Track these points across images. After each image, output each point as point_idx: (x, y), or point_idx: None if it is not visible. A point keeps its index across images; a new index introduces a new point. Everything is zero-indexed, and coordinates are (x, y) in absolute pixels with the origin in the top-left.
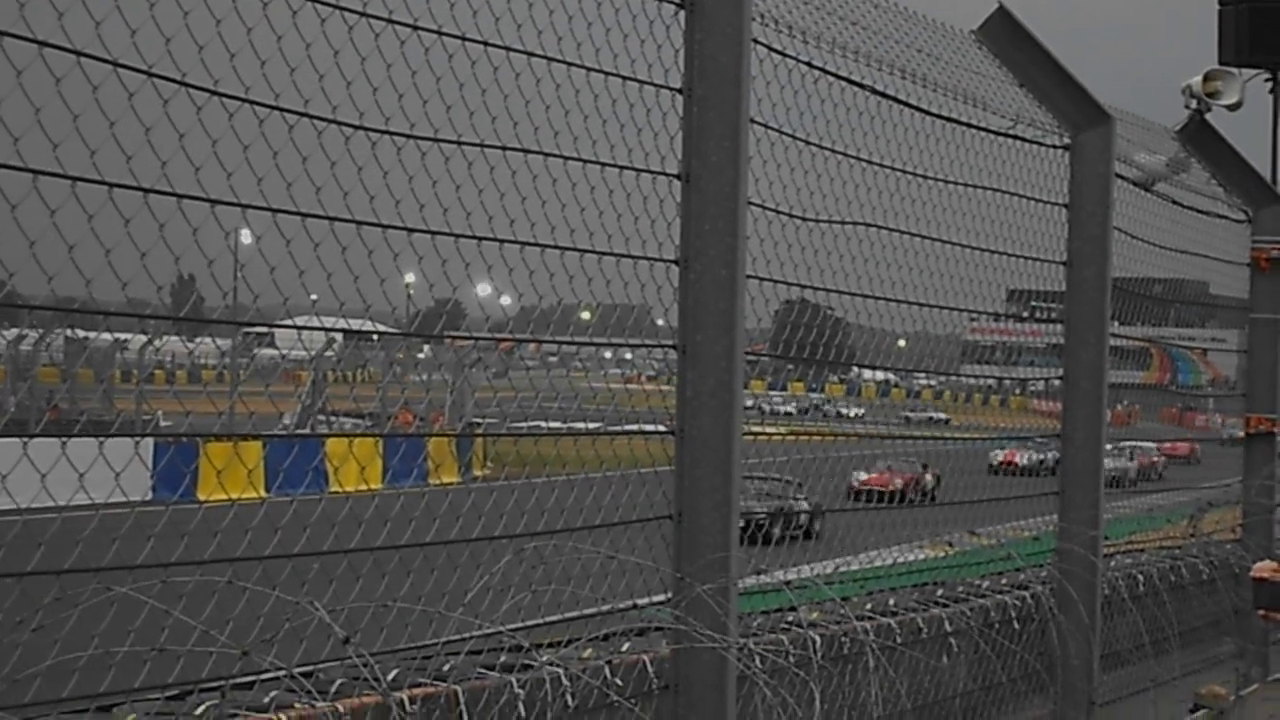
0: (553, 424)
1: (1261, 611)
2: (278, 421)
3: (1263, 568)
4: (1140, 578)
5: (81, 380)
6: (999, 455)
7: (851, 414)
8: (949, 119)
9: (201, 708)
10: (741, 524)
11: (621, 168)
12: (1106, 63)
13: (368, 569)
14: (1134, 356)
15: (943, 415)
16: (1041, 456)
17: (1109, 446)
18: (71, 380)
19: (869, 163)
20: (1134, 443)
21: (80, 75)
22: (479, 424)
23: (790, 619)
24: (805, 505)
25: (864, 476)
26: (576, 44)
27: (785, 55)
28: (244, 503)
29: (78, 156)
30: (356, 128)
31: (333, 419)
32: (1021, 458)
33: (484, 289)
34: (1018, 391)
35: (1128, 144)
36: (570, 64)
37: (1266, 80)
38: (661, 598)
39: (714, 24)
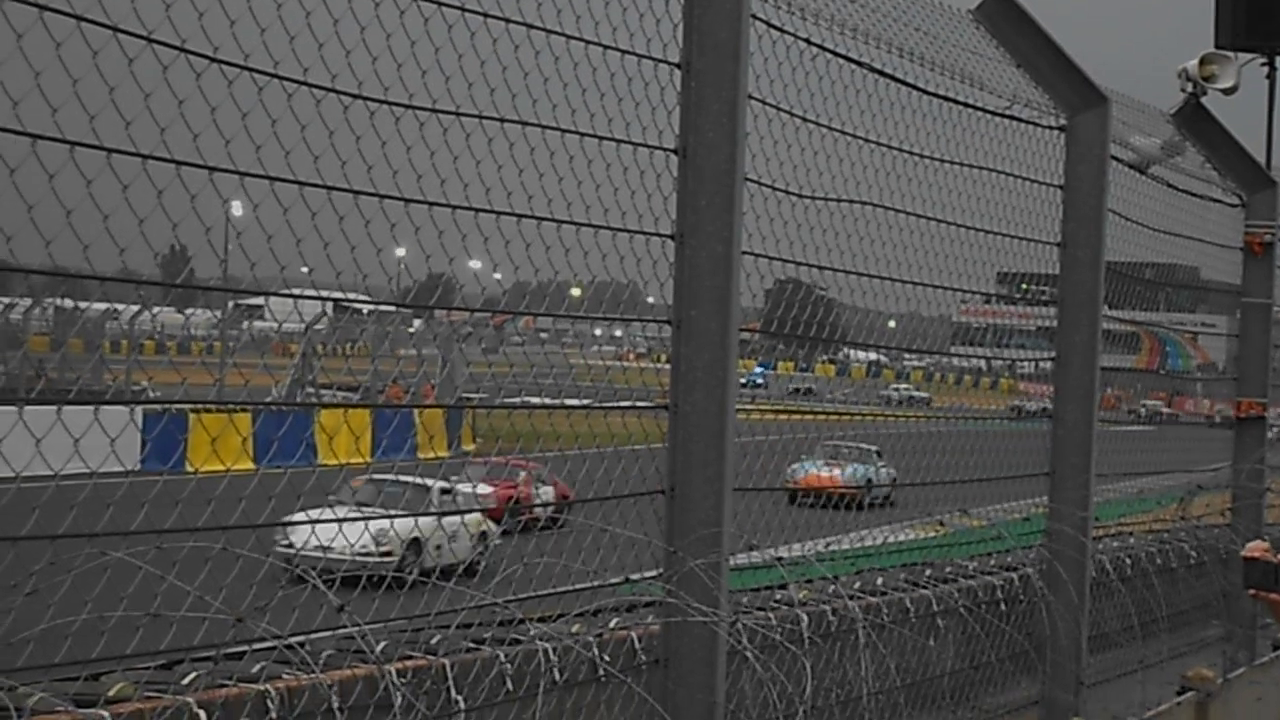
0: (544, 399)
1: (1252, 591)
2: (269, 393)
3: (1254, 547)
4: (1129, 560)
5: (71, 350)
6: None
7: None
8: (946, 98)
9: (190, 676)
10: None
11: (618, 141)
12: (1104, 45)
13: None
14: (1124, 340)
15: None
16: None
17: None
18: (63, 349)
19: (865, 140)
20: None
21: (80, 40)
22: (470, 398)
23: (779, 596)
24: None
25: None
26: (575, 17)
27: (784, 31)
28: (236, 474)
29: (77, 121)
30: (355, 97)
31: (323, 391)
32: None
33: (477, 263)
34: (1006, 374)
35: (1123, 126)
36: (569, 37)
37: (1263, 64)
38: (653, 573)
39: None
